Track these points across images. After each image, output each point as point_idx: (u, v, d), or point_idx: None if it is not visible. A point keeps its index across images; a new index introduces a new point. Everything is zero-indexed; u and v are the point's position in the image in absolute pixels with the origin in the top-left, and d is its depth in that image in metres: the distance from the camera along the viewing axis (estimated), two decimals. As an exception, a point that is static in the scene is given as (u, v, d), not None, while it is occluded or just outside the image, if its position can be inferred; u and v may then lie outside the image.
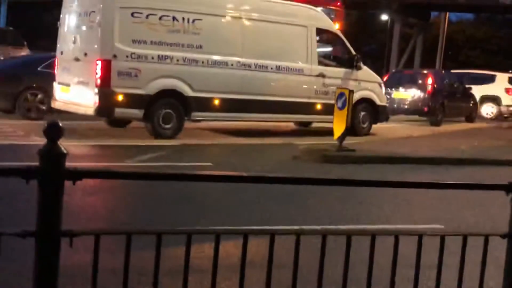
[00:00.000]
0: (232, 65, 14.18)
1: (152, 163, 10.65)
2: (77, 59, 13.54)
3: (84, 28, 13.63)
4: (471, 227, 7.33)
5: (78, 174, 2.18)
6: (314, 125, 17.18)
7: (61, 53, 14.36)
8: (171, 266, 4.45)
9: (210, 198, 7.83)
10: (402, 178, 10.70)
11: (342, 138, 12.50)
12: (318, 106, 15.23)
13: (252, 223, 6.77)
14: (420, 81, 22.43)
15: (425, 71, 24.65)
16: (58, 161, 2.11)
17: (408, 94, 21.33)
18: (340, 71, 16.16)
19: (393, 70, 28.18)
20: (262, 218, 7.07)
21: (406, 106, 21.58)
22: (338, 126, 12.57)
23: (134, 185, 8.10)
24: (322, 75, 15.63)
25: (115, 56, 12.75)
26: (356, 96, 16.08)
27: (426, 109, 21.59)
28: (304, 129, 17.02)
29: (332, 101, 14.69)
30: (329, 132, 12.97)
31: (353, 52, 16.70)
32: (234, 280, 2.50)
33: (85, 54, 13.27)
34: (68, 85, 13.77)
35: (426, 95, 21.81)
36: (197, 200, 7.77)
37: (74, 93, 13.53)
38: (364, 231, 2.92)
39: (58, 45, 14.66)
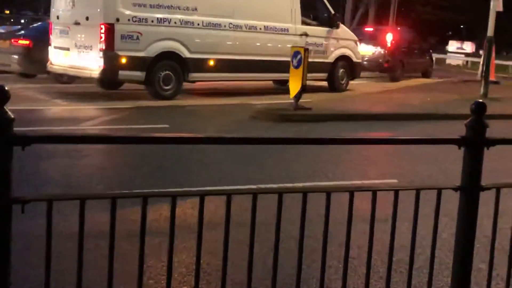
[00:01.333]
0: (225, 26, 14.74)
1: (107, 126, 10.52)
2: (77, 23, 13.66)
3: None
4: (425, 181, 7.49)
5: (27, 139, 2.12)
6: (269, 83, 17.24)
7: (57, 17, 14.40)
8: (129, 230, 4.43)
9: (167, 160, 7.80)
10: (357, 134, 10.91)
11: (298, 96, 12.53)
12: None
13: (209, 183, 6.78)
14: (379, 38, 22.62)
15: (384, 28, 24.83)
16: (5, 126, 2.05)
17: (368, 51, 21.46)
18: (321, 30, 16.84)
19: (352, 28, 28.23)
20: (220, 179, 7.08)
21: (366, 63, 21.75)
22: (294, 85, 12.57)
23: (89, 149, 8.00)
24: (305, 34, 16.28)
25: (117, 19, 13.08)
26: (336, 53, 17.16)
27: (386, 65, 21.89)
28: (262, 89, 17.03)
29: (315, 60, 15.66)
30: (284, 91, 12.99)
31: (332, 11, 17.31)
32: (193, 242, 2.51)
33: (87, 18, 13.42)
34: (67, 49, 13.94)
35: (386, 52, 22.09)
36: (154, 162, 7.73)
37: (75, 57, 13.74)
38: (319, 188, 2.95)
39: (52, 10, 14.69)
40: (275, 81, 17.14)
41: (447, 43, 46.50)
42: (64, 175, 7.10)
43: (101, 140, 2.92)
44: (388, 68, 22.06)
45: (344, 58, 17.37)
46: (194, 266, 2.73)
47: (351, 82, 18.04)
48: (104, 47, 12.99)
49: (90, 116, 11.52)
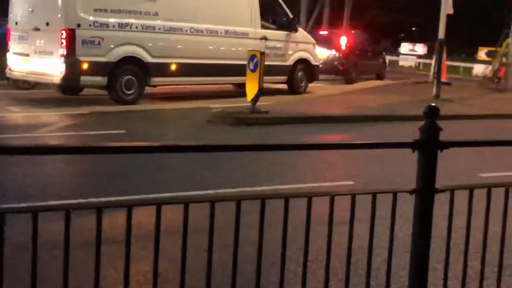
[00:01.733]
0: (186, 30, 14.88)
1: (63, 132, 10.34)
2: (36, 29, 13.53)
3: None
4: (381, 182, 7.58)
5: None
6: (226, 87, 17.22)
7: (16, 23, 14.25)
8: (85, 239, 4.35)
9: (123, 166, 7.70)
10: (313, 137, 10.98)
11: (255, 100, 12.55)
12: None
13: (167, 189, 6.73)
14: (334, 41, 22.85)
15: (338, 31, 25.12)
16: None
17: (324, 54, 21.64)
18: (281, 33, 17.15)
19: (307, 31, 28.35)
20: (177, 184, 7.04)
21: (322, 66, 21.91)
22: (251, 88, 12.59)
23: (43, 157, 7.84)
24: (265, 38, 16.57)
25: (78, 25, 13.05)
26: (295, 56, 17.48)
27: (341, 68, 22.12)
28: (221, 92, 17.02)
29: (275, 63, 16.20)
30: (243, 95, 12.99)
31: (291, 15, 17.66)
32: (151, 249, 2.48)
33: (47, 24, 13.32)
34: (26, 55, 13.81)
35: (341, 55, 22.34)
36: (110, 169, 7.63)
37: (35, 63, 13.63)
38: (277, 194, 2.95)
39: (10, 15, 14.51)
40: (235, 84, 17.21)
41: (399, 45, 47.27)
42: (18, 185, 6.93)
43: (49, 151, 2.84)
44: (343, 71, 22.30)
45: (303, 61, 17.68)
46: (152, 274, 2.70)
47: (310, 84, 18.21)
48: (65, 53, 12.94)
49: (46, 123, 11.30)
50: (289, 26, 17.38)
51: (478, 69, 29.56)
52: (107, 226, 4.83)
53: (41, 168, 7.54)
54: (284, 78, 17.34)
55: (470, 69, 33.56)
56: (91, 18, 13.20)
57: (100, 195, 6.26)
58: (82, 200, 6.09)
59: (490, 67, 23.88)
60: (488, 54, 29.60)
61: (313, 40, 18.41)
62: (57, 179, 7.23)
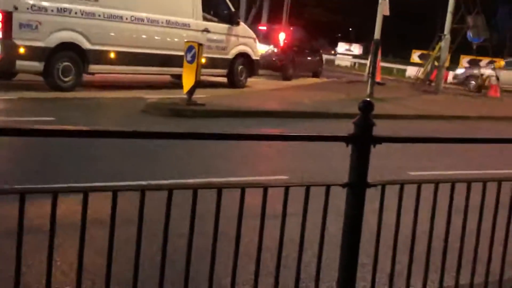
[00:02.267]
0: (126, 19, 14.61)
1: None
2: None
3: None
4: (314, 177, 7.65)
5: None
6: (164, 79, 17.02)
7: None
8: (9, 227, 4.18)
9: (52, 155, 7.48)
10: (249, 131, 10.98)
11: (191, 92, 12.45)
12: (203, 60, 15.14)
13: (97, 179, 6.57)
14: (273, 37, 22.94)
15: (277, 27, 25.24)
16: None
17: (262, 50, 21.66)
18: (222, 26, 17.13)
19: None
20: (109, 174, 6.88)
21: (260, 61, 21.94)
22: (188, 80, 12.48)
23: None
24: (206, 30, 16.54)
25: (15, 7, 12.64)
26: (236, 50, 17.50)
27: (279, 64, 22.24)
28: (158, 83, 16.80)
29: (215, 56, 16.32)
30: (181, 86, 12.85)
31: (232, 8, 17.71)
32: (78, 239, 2.38)
33: None
34: None
35: (279, 51, 22.45)
36: (38, 157, 7.40)
37: None
38: (210, 184, 2.91)
39: None
40: (174, 75, 17.03)
41: (336, 45, 47.95)
42: None
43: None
44: (281, 66, 22.43)
45: (243, 55, 17.74)
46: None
47: (249, 79, 18.25)
48: (1, 36, 12.55)
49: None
50: (231, 20, 17.43)
51: (411, 71, 30.32)
52: (32, 214, 4.68)
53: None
54: (224, 71, 17.37)
55: (404, 71, 34.42)
56: (29, 1, 12.83)
57: (26, 183, 6.05)
58: (6, 187, 5.87)
59: (422, 69, 24.53)
60: (421, 56, 30.37)
61: (254, 35, 18.52)
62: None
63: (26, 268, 3.97)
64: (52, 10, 13.21)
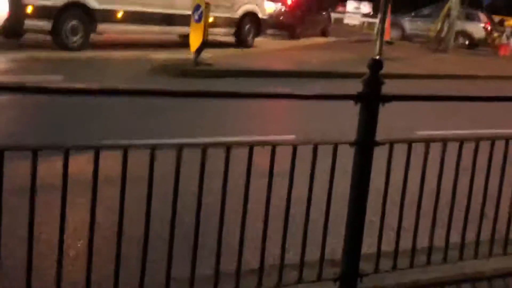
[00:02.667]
0: None
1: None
2: None
3: None
4: (322, 136, 7.66)
5: None
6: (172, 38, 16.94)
7: None
8: (20, 185, 4.24)
9: (59, 112, 7.51)
10: (257, 90, 10.96)
11: (199, 51, 12.38)
12: (210, 19, 15.02)
13: (107, 137, 6.61)
14: None
15: None
16: None
17: (270, 8, 21.43)
18: None
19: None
20: (118, 133, 6.92)
21: (268, 19, 21.73)
22: (195, 39, 12.40)
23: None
24: None
25: None
26: (243, 9, 17.29)
27: (286, 23, 22.00)
28: (164, 43, 16.70)
29: (223, 15, 16.13)
30: (188, 45, 12.78)
31: None
32: (89, 197, 2.42)
33: None
34: None
35: (286, 10, 22.19)
36: (46, 116, 7.43)
37: None
38: (219, 142, 2.94)
39: None
40: (182, 34, 16.91)
41: (345, 3, 47.32)
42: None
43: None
44: (288, 25, 22.19)
45: (251, 14, 17.54)
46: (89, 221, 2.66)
47: (256, 38, 18.11)
48: None
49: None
50: None
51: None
52: (44, 172, 4.72)
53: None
54: (231, 30, 17.23)
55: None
56: None
57: (36, 140, 6.10)
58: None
59: (434, 27, 24.23)
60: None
61: None
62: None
63: (37, 224, 4.03)
64: None
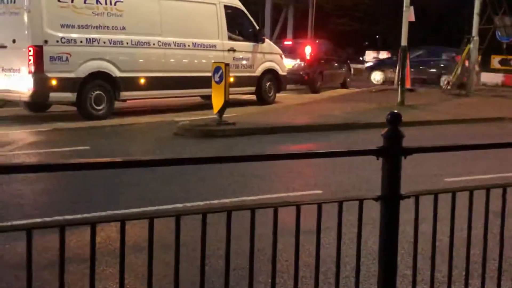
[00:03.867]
0: (153, 44, 14.92)
1: (26, 150, 10.16)
2: (3, 46, 13.50)
3: (7, 15, 13.42)
4: (348, 190, 7.62)
5: None
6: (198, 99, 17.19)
7: None
8: (50, 258, 4.28)
9: (87, 182, 7.59)
10: (280, 147, 11.01)
11: (221, 111, 12.54)
12: (231, 79, 15.29)
13: (133, 205, 6.65)
14: (298, 51, 22.99)
15: (303, 41, 25.28)
16: None
17: (289, 64, 21.74)
18: (248, 45, 17.36)
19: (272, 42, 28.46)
20: (144, 199, 6.96)
21: (288, 75, 22.00)
22: (217, 100, 12.57)
23: (2, 177, 7.69)
24: (232, 50, 16.78)
25: (46, 41, 13.01)
26: (263, 67, 17.72)
27: (306, 77, 22.28)
28: (188, 105, 16.96)
29: (243, 74, 16.63)
30: (211, 107, 12.94)
31: (257, 26, 18.02)
32: (118, 267, 2.42)
33: (13, 41, 13.28)
34: None
35: (305, 64, 22.49)
36: (73, 187, 7.51)
37: (3, 81, 13.54)
38: (242, 206, 2.93)
39: None
40: (203, 96, 17.21)
41: (364, 53, 47.80)
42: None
43: (6, 170, 2.74)
44: (308, 80, 22.44)
45: (270, 72, 17.90)
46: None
47: (277, 94, 18.34)
48: (33, 70, 12.88)
49: (9, 141, 11.09)
50: (256, 38, 17.60)
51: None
52: (73, 245, 4.77)
53: (2, 187, 7.40)
54: (252, 88, 17.52)
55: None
56: (58, 34, 13.15)
57: (64, 213, 6.15)
58: (46, 219, 5.98)
59: (453, 73, 24.27)
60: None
61: (279, 51, 18.64)
62: (19, 198, 7.08)
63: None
64: (81, 41, 13.51)
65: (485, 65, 29.18)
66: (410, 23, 18.27)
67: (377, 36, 57.84)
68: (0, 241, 4.46)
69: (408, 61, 19.26)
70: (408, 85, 19.82)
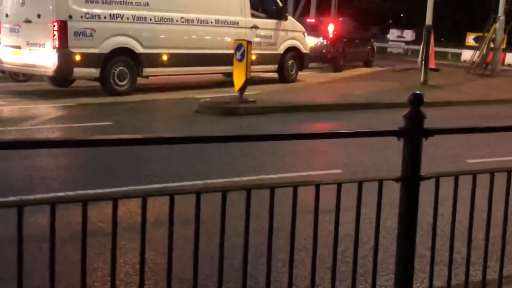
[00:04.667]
0: (177, 21, 14.92)
1: (48, 125, 10.28)
2: (28, 21, 13.57)
3: None
4: (368, 170, 7.61)
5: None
6: (217, 77, 17.21)
7: (6, 15, 14.27)
8: (73, 232, 4.35)
9: (109, 158, 7.68)
10: (301, 126, 10.99)
11: (242, 89, 12.53)
12: (253, 57, 15.27)
13: (155, 181, 6.72)
14: (321, 29, 22.80)
15: (326, 19, 25.05)
16: None
17: (311, 42, 21.59)
18: (271, 22, 17.25)
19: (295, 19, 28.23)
20: (165, 175, 7.02)
21: (310, 54, 21.88)
22: (238, 78, 12.56)
23: (27, 151, 7.79)
24: (255, 27, 16.69)
25: (70, 16, 13.08)
26: (285, 45, 17.60)
27: (329, 56, 22.12)
28: (210, 82, 16.98)
29: (265, 52, 16.48)
30: (232, 84, 12.94)
31: (280, 3, 17.81)
32: (139, 241, 2.46)
33: (38, 16, 13.35)
34: (18, 47, 13.87)
35: (328, 43, 22.32)
36: (96, 162, 7.60)
37: (27, 55, 13.67)
38: (262, 184, 2.96)
39: (0, 8, 14.52)
40: (225, 73, 17.20)
41: (388, 32, 47.31)
42: (3, 178, 6.89)
43: (32, 145, 2.80)
44: (330, 58, 22.28)
45: (293, 50, 17.77)
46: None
47: (299, 73, 18.25)
48: (57, 45, 12.96)
49: (33, 115, 11.22)
50: (279, 15, 17.49)
51: (467, 55, 29.61)
52: (95, 218, 4.84)
53: (27, 161, 7.50)
54: (274, 66, 17.46)
55: (459, 55, 33.62)
56: (82, 9, 13.20)
57: (87, 188, 6.24)
58: (69, 193, 6.08)
59: (478, 52, 23.94)
60: (476, 39, 29.61)
61: (302, 28, 18.49)
62: (43, 172, 7.19)
63: (90, 271, 4.11)
64: (105, 17, 13.55)
65: (510, 46, 28.74)
66: (436, 2, 18.02)
67: (401, 15, 57.14)
68: (25, 214, 4.55)
69: (432, 40, 19.03)
70: (432, 64, 19.60)
